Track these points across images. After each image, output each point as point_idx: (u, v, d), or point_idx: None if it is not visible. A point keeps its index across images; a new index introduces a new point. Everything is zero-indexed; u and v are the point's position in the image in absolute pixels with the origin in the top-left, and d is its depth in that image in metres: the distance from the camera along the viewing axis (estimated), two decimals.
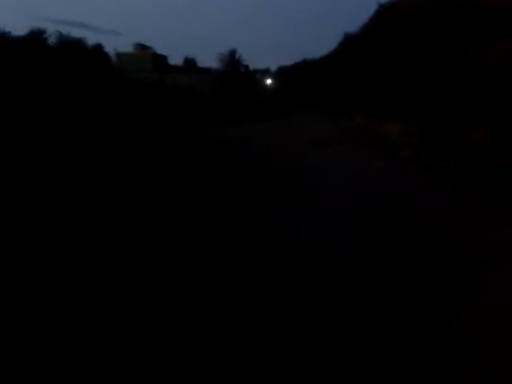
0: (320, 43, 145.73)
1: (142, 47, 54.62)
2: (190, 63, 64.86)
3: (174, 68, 57.53)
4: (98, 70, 27.04)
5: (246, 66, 64.23)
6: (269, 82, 64.35)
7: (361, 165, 15.15)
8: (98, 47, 39.82)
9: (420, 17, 30.49)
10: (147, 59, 50.47)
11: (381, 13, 36.87)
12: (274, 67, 75.42)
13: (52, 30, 53.20)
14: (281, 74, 69.33)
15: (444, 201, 9.64)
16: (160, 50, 69.98)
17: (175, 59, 64.92)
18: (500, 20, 23.22)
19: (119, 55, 47.47)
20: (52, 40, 30.41)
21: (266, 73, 69.51)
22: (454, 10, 27.68)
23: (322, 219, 7.71)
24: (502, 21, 22.94)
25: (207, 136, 26.54)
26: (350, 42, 41.70)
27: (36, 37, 29.24)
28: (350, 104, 33.41)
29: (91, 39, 70.81)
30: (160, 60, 54.79)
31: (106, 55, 39.30)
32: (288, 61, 78.05)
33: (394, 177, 12.88)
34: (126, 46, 54.52)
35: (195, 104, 38.53)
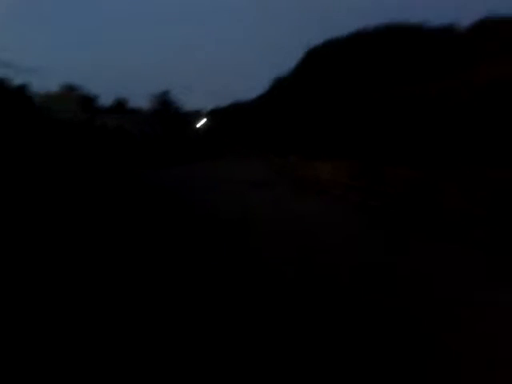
0: (252, 86, 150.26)
1: (70, 88, 53.17)
2: (120, 103, 63.94)
3: (104, 108, 56.41)
4: (19, 111, 25.69)
5: (179, 107, 64.31)
6: (202, 123, 64.63)
7: (293, 204, 15.13)
8: (22, 88, 38.20)
9: (345, 60, 32.16)
10: (74, 100, 49.06)
11: (309, 57, 38.54)
12: (206, 109, 76.08)
13: None
14: (214, 115, 70.03)
15: (361, 236, 9.75)
16: (92, 89, 68.61)
17: (107, 98, 63.62)
18: (416, 67, 24.89)
19: (45, 96, 45.81)
20: None
21: (198, 114, 69.89)
22: (375, 55, 29.41)
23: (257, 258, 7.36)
24: (418, 68, 24.60)
25: (137, 178, 25.73)
26: (280, 85, 43.07)
27: None
28: (282, 145, 34.08)
29: (18, 79, 67.99)
30: (89, 100, 53.55)
31: (29, 96, 37.68)
32: (221, 102, 79.19)
33: (324, 216, 12.91)
34: (56, 85, 52.74)
35: (125, 145, 37.58)
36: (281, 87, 43.67)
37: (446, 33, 26.88)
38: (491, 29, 22.73)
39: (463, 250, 8.77)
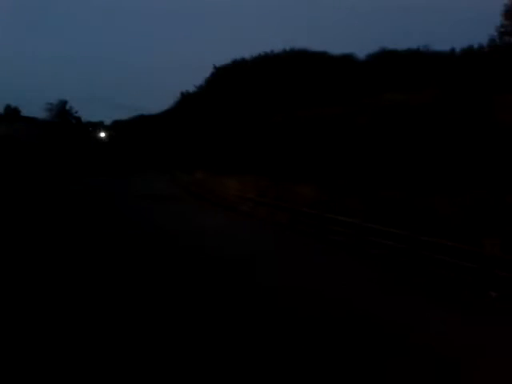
0: (156, 99, 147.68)
1: None
2: (11, 112, 59.31)
3: None
4: None
5: (78, 118, 61.13)
6: (103, 135, 61.91)
7: (202, 219, 15.00)
8: None
9: (250, 80, 32.98)
10: None
11: (216, 74, 39.01)
12: (108, 121, 73.13)
13: None
14: (116, 127, 67.50)
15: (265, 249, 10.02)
16: None
17: None
18: (319, 90, 26.29)
19: None
20: None
21: (99, 126, 66.88)
22: (280, 77, 30.57)
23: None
24: (322, 91, 26.00)
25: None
26: (186, 101, 42.87)
27: None
28: (189, 160, 33.74)
29: None
30: None
31: None
32: (123, 115, 76.69)
33: (233, 231, 12.99)
34: None
35: (14, 154, 34.65)
36: (187, 102, 43.57)
37: (346, 61, 28.79)
38: (386, 60, 24.80)
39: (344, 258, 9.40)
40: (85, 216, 14.44)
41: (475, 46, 19.99)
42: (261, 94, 30.36)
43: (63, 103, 59.19)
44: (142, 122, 60.74)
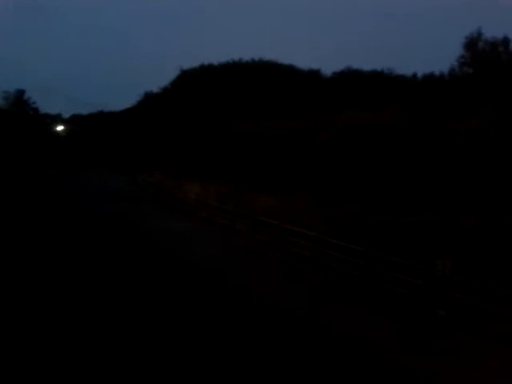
0: (118, 98, 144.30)
1: None
2: None
3: None
4: None
5: (35, 109, 58.93)
6: (60, 128, 59.93)
7: (158, 223, 14.84)
8: None
9: (215, 86, 32.97)
10: None
11: (183, 77, 38.69)
12: (67, 114, 70.72)
13: None
14: (75, 122, 65.50)
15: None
16: None
17: None
18: (284, 103, 26.65)
19: None
20: None
21: (57, 119, 64.72)
22: (245, 85, 30.76)
23: None
24: (286, 104, 26.37)
25: None
26: (150, 101, 42.22)
27: None
28: (150, 161, 33.16)
29: None
30: None
31: None
32: (84, 110, 74.27)
33: (189, 236, 12.97)
34: None
35: None
36: (151, 103, 42.93)
37: (312, 77, 29.34)
38: (351, 79, 25.48)
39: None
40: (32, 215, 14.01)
41: (436, 73, 20.91)
42: (226, 100, 30.41)
43: (21, 92, 56.99)
44: (102, 119, 59.29)
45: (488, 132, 14.09)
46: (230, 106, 29.21)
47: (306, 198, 13.86)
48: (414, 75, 24.37)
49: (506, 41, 18.86)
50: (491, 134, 13.94)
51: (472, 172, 13.06)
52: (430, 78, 21.03)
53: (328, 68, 29.98)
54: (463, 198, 11.80)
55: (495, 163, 12.97)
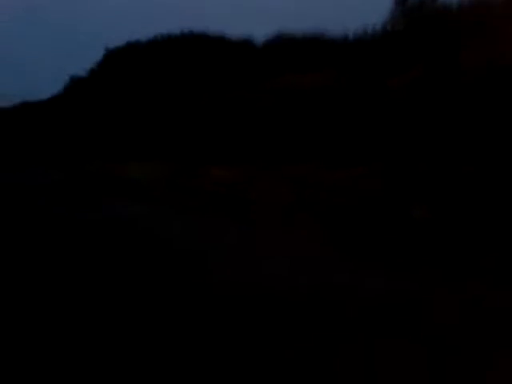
0: (44, 85, 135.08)
1: None
2: None
3: None
4: None
5: None
6: None
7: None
8: None
9: (144, 63, 31.90)
10: None
11: (107, 58, 37.01)
12: None
13: None
14: None
15: None
16: None
17: None
18: (219, 74, 26.27)
19: None
20: None
21: None
22: (176, 60, 29.99)
23: None
24: (221, 75, 26.01)
25: None
26: (77, 85, 40.27)
27: None
28: (84, 148, 31.79)
29: None
30: None
31: None
32: (4, 103, 69.05)
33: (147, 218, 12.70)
34: None
35: None
36: (77, 87, 40.92)
37: (245, 46, 29.03)
38: (284, 44, 25.46)
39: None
40: None
41: (369, 31, 21.14)
42: (158, 77, 29.57)
43: None
44: (25, 110, 55.79)
45: (419, 87, 14.65)
46: (163, 81, 28.41)
47: (261, 165, 13.94)
48: (346, 36, 24.61)
49: None
50: (422, 89, 14.51)
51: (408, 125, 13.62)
52: (362, 38, 21.40)
53: (259, 31, 29.49)
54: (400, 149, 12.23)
55: (428, 116, 13.58)
